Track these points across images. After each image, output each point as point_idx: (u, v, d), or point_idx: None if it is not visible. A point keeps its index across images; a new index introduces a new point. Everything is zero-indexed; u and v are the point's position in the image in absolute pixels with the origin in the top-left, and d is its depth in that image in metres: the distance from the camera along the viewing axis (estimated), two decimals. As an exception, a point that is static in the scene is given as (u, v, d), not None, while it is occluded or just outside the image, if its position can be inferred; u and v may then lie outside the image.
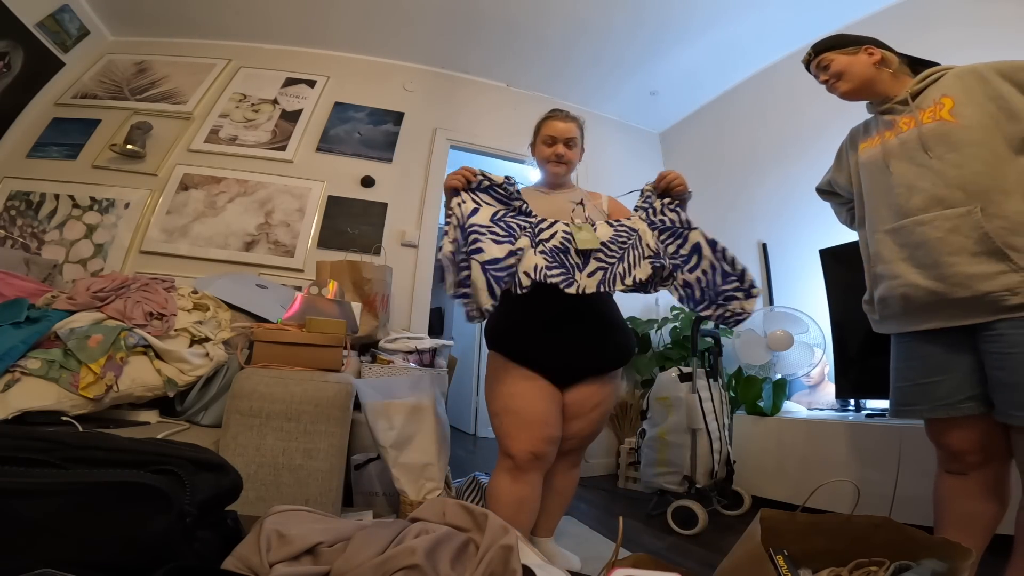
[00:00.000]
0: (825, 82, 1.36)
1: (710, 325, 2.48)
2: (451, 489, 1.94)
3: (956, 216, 1.09)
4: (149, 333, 1.57)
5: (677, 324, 3.02)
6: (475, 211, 1.29)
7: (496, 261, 1.21)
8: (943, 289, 1.10)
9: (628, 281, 1.28)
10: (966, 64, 1.19)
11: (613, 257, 1.32)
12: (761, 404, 2.43)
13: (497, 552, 0.49)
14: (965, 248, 1.07)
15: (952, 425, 1.15)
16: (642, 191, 1.43)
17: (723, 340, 2.52)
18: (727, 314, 1.28)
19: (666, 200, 1.40)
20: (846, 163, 1.40)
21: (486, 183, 1.34)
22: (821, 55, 1.35)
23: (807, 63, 1.40)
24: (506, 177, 1.36)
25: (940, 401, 1.15)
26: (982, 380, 1.11)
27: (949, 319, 1.12)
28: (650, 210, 1.40)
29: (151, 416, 1.56)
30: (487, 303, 1.18)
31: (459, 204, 1.29)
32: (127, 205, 2.72)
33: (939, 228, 1.11)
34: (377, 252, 2.80)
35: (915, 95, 1.22)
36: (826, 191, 1.52)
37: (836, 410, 2.39)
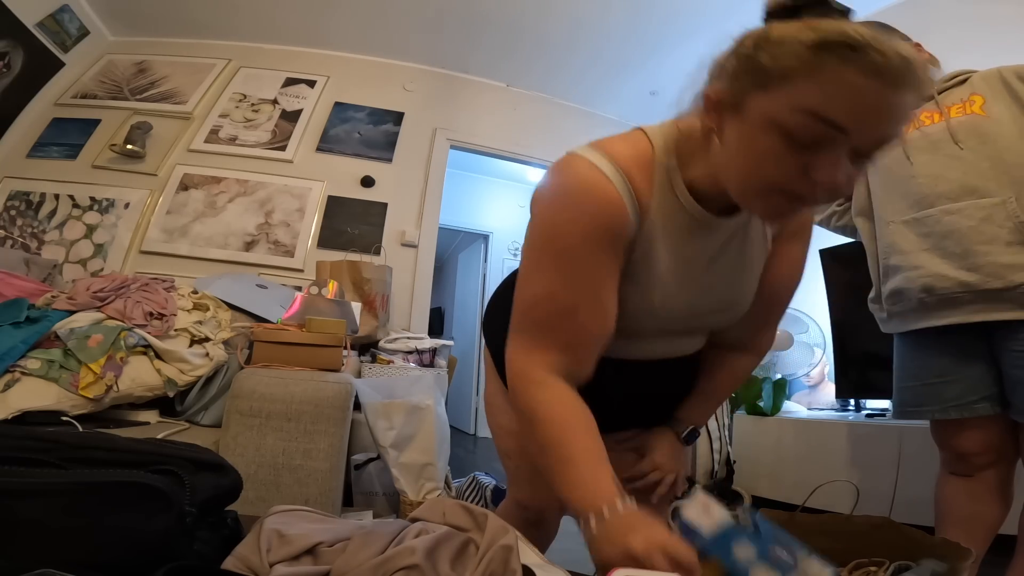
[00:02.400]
0: None
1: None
2: (451, 489, 1.94)
3: (990, 205, 1.07)
4: (149, 333, 1.57)
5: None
6: None
7: None
8: (975, 280, 1.06)
9: None
10: (988, 68, 1.19)
11: None
12: (761, 404, 2.43)
13: (497, 552, 0.49)
14: (999, 237, 1.05)
15: (964, 426, 1.13)
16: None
17: (723, 340, 2.52)
18: None
19: None
20: None
21: None
22: None
23: None
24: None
25: (952, 402, 1.12)
26: (996, 379, 1.10)
27: (971, 314, 1.08)
28: None
29: (151, 416, 1.56)
30: None
31: None
32: (127, 205, 2.72)
33: (971, 217, 1.08)
34: (377, 252, 2.80)
35: (940, 92, 1.22)
36: None
37: (836, 410, 2.39)
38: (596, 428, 0.60)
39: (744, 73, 0.52)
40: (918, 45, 1.27)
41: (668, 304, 0.66)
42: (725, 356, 0.81)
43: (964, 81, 1.21)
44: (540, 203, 0.62)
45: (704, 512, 0.55)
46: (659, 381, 0.78)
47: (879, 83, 0.45)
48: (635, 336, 0.69)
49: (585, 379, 0.63)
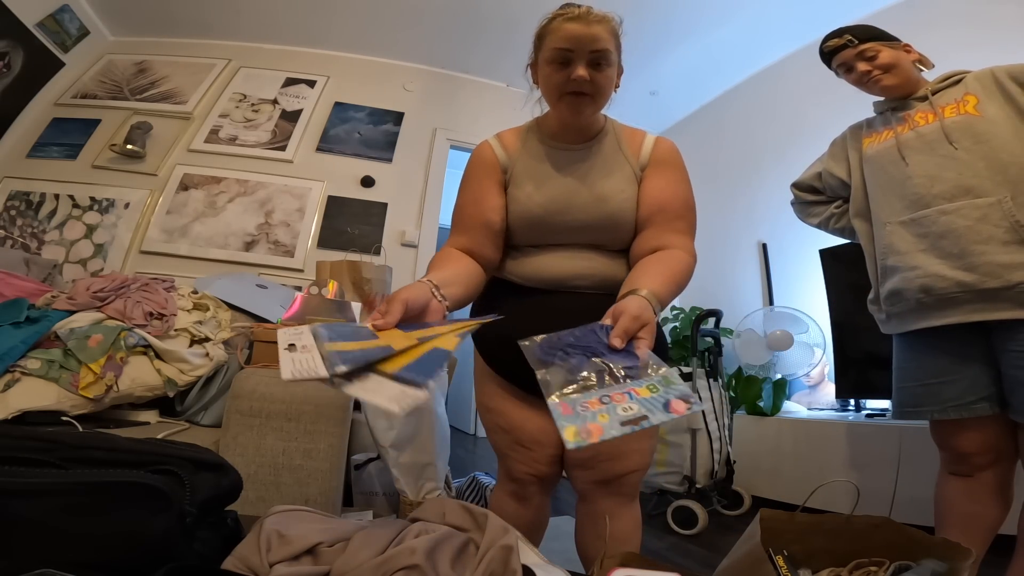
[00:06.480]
0: (865, 73, 1.25)
1: (710, 325, 2.48)
2: (451, 489, 1.94)
3: (985, 205, 1.07)
4: (149, 333, 1.57)
5: (677, 324, 3.02)
6: None
7: None
8: (973, 280, 1.07)
9: None
10: (981, 68, 1.20)
11: None
12: (761, 404, 2.43)
13: (497, 552, 0.49)
14: (995, 237, 1.05)
15: (962, 427, 1.13)
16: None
17: (723, 340, 2.52)
18: None
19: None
20: (844, 156, 1.38)
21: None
22: (868, 44, 1.25)
23: (835, 48, 1.29)
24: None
25: (951, 402, 1.12)
26: (995, 379, 1.10)
27: (969, 313, 1.09)
28: None
29: (151, 416, 1.56)
30: None
31: None
32: (127, 205, 2.72)
33: (967, 217, 1.09)
34: (377, 252, 2.80)
35: (934, 93, 1.22)
36: (805, 188, 1.48)
37: (836, 410, 2.39)
38: (462, 268, 0.93)
39: (535, 46, 0.97)
40: (907, 46, 1.28)
41: (540, 194, 0.97)
42: (652, 253, 0.96)
43: (958, 82, 1.21)
44: None
45: None
46: (568, 313, 0.84)
47: (577, 23, 0.88)
48: (533, 249, 1.00)
49: (485, 261, 0.98)
